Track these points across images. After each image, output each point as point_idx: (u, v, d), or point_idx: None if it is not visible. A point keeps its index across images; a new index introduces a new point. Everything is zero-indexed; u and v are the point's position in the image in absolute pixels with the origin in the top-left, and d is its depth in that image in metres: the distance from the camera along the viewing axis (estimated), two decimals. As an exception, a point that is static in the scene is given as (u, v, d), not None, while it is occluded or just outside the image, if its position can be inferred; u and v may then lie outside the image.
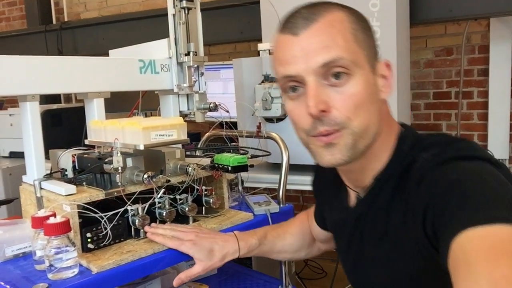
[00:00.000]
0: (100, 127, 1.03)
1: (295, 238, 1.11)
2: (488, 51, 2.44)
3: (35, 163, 1.05)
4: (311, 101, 0.68)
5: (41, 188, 1.02)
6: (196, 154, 1.43)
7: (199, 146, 1.53)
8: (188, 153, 1.41)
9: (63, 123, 2.50)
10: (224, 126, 1.29)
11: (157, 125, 0.94)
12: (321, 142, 0.72)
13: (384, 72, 0.75)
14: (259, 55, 1.67)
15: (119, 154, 0.91)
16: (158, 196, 0.99)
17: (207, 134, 1.52)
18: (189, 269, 0.98)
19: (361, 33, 0.72)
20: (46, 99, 3.48)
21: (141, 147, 0.92)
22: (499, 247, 0.52)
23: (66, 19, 3.69)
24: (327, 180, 0.94)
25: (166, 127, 0.95)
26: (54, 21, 3.72)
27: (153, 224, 1.02)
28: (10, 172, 2.30)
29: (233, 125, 1.64)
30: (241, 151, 1.23)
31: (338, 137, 0.70)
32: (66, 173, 1.09)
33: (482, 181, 0.61)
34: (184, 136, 1.00)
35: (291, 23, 0.72)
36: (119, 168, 0.91)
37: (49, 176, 1.05)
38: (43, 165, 1.06)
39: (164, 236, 0.99)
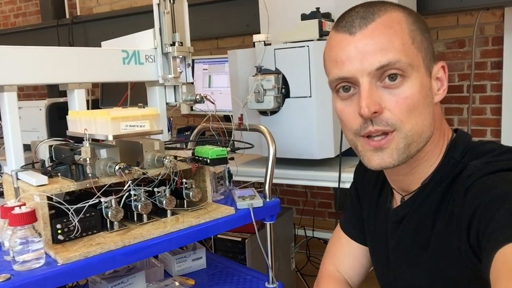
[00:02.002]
0: (76, 118, 1.02)
1: None
2: (502, 43, 2.34)
3: (13, 154, 1.04)
4: (364, 102, 0.67)
5: (17, 179, 1.02)
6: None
7: (190, 139, 1.51)
8: (178, 145, 1.40)
9: (69, 116, 2.54)
10: (211, 119, 1.26)
11: (127, 116, 0.92)
12: (370, 146, 0.71)
13: (439, 74, 0.74)
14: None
15: (87, 145, 0.89)
16: (130, 188, 0.97)
17: (198, 126, 1.50)
18: None
19: (419, 35, 0.71)
20: (60, 93, 3.53)
21: (110, 138, 0.90)
22: None
23: (78, 14, 3.73)
24: (368, 181, 0.92)
25: (137, 118, 0.93)
26: (67, 16, 3.76)
27: None
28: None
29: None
30: (224, 143, 1.20)
31: (389, 141, 0.70)
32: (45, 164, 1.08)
33: None
34: (157, 127, 0.98)
35: (347, 21, 0.71)
36: (88, 159, 0.89)
37: (28, 167, 1.05)
38: (22, 155, 1.06)
39: None
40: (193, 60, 2.67)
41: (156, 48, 1.23)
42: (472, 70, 2.40)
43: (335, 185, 1.52)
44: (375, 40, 0.67)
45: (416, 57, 0.69)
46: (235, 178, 1.45)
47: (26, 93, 4.35)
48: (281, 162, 1.65)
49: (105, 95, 2.79)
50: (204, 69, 2.65)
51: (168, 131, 2.02)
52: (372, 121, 0.69)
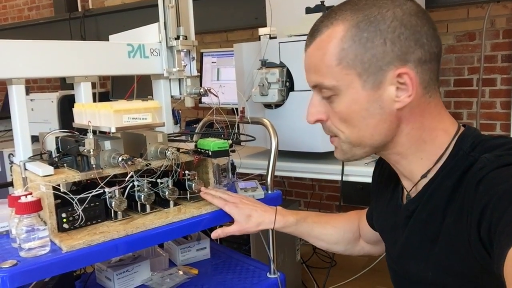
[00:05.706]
0: (81, 110, 1.05)
1: (335, 230, 1.11)
2: (513, 36, 2.31)
3: (21, 145, 1.08)
4: (307, 111, 0.79)
5: (25, 169, 1.05)
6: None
7: (196, 131, 1.53)
8: (184, 137, 1.42)
9: (80, 108, 2.58)
10: (214, 112, 1.28)
11: (129, 108, 0.94)
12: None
13: (402, 80, 0.70)
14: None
15: (91, 136, 0.92)
16: (133, 179, 0.99)
17: (203, 119, 1.52)
18: (227, 227, 1.09)
19: (355, 49, 0.70)
20: (73, 85, 3.59)
21: (113, 130, 0.93)
22: None
23: (90, 7, 3.77)
24: (385, 177, 0.93)
25: (139, 111, 0.96)
26: (79, 9, 3.81)
27: (209, 187, 1.16)
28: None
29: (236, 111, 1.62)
30: (226, 136, 1.22)
31: (336, 141, 0.80)
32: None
33: None
34: (159, 120, 1.00)
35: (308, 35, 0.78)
36: (91, 150, 0.92)
37: (35, 158, 1.08)
38: (30, 146, 1.09)
39: (213, 196, 1.10)
40: (202, 53, 2.69)
41: (161, 42, 1.25)
42: (481, 63, 2.37)
43: (339, 178, 1.53)
44: (309, 61, 0.76)
45: (344, 77, 0.71)
46: (239, 170, 1.47)
47: (40, 85, 4.42)
48: (286, 155, 1.67)
49: (115, 88, 2.83)
50: (213, 62, 2.67)
51: (177, 123, 2.05)
52: (322, 125, 0.80)
